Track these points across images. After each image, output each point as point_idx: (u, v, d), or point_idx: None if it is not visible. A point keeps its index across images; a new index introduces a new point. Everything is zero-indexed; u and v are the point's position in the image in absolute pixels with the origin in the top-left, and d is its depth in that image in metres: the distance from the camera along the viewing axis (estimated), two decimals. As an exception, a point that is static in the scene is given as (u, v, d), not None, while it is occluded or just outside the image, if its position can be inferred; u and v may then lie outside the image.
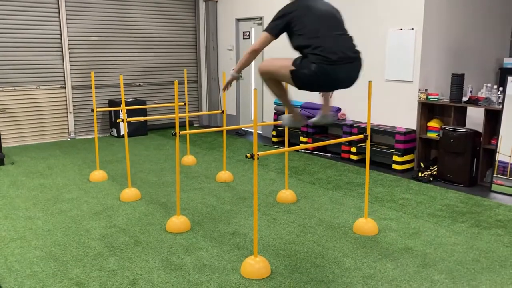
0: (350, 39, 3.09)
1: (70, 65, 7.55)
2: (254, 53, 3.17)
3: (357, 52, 3.05)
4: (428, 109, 5.76)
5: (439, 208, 4.42)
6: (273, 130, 7.50)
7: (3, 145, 6.78)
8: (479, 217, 4.16)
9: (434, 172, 5.43)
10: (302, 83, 3.09)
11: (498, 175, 4.97)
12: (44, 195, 4.80)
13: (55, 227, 3.94)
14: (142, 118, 5.35)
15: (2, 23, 6.90)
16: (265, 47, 3.19)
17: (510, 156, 4.91)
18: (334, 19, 3.12)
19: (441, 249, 3.51)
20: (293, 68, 3.01)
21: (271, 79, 3.30)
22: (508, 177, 4.89)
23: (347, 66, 2.97)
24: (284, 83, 3.44)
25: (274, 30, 3.10)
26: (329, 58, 2.88)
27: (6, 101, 7.05)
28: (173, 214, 4.11)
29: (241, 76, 8.65)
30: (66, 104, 7.63)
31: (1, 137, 6.20)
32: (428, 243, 3.62)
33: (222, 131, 6.40)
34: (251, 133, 8.28)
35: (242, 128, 8.32)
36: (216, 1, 8.77)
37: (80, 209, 4.38)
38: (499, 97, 5.14)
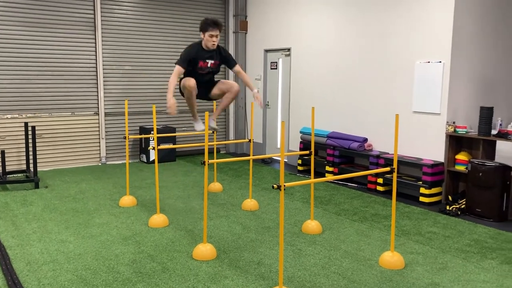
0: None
1: (104, 93, 7.86)
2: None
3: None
4: (456, 142, 5.73)
5: (468, 243, 4.35)
6: (299, 158, 7.55)
7: (38, 169, 7.05)
8: (510, 254, 4.08)
9: (463, 206, 5.35)
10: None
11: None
12: (75, 219, 4.96)
13: (86, 251, 4.06)
14: (172, 146, 5.51)
15: (41, 52, 7.28)
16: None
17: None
18: None
19: (469, 286, 3.45)
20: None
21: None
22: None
23: None
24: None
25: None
26: None
27: (43, 126, 7.36)
28: (200, 241, 4.18)
29: (267, 105, 8.81)
30: (99, 130, 7.89)
31: (37, 161, 6.44)
32: (455, 280, 3.56)
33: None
34: (276, 161, 8.35)
35: (268, 156, 8.39)
36: (246, 33, 9.02)
37: (110, 234, 4.50)
38: (530, 131, 5.08)
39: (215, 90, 4.96)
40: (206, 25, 4.62)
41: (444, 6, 5.61)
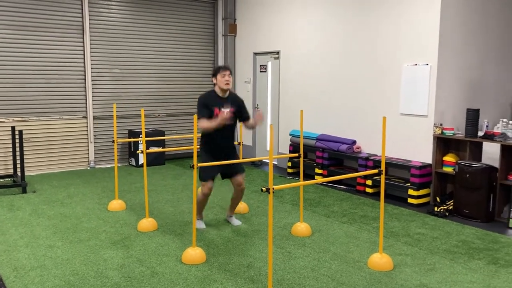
0: None
1: (93, 96, 7.81)
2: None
3: None
4: (443, 144, 5.78)
5: (455, 244, 4.39)
6: (289, 161, 7.57)
7: (25, 173, 6.98)
8: (496, 255, 4.12)
9: (450, 207, 5.40)
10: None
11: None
12: (64, 223, 4.91)
13: (74, 256, 4.03)
14: (161, 150, 5.48)
15: (29, 56, 7.22)
16: None
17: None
18: None
19: (457, 287, 3.48)
20: None
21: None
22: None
23: None
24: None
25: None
26: None
27: (31, 130, 7.29)
28: (189, 245, 4.17)
29: (257, 107, 8.82)
30: (87, 134, 7.84)
31: (24, 165, 6.38)
32: (443, 280, 3.59)
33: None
34: (266, 163, 8.36)
35: (258, 159, 8.40)
36: (235, 36, 9.03)
37: (99, 238, 4.47)
38: (515, 132, 5.15)
39: (235, 181, 4.68)
40: (217, 69, 4.58)
41: (430, 9, 5.67)
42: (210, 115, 4.44)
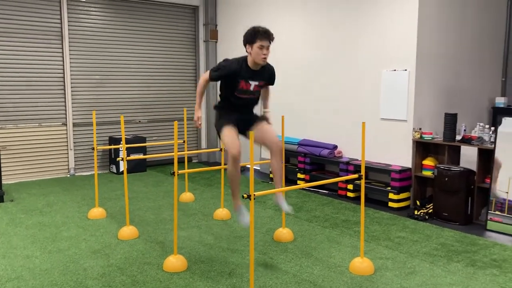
0: None
1: (72, 103, 7.71)
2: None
3: None
4: (422, 148, 5.86)
5: (435, 247, 4.45)
6: (271, 167, 7.57)
7: (3, 182, 6.84)
8: (474, 257, 4.19)
9: (430, 210, 5.48)
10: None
11: (496, 212, 5.00)
12: (42, 233, 4.83)
13: (53, 266, 3.96)
14: (141, 157, 5.45)
15: (6, 61, 7.10)
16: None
17: (507, 192, 4.96)
18: None
19: (436, 290, 3.53)
20: None
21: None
22: (506, 214, 4.92)
23: None
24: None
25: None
26: None
27: (8, 138, 7.16)
28: (171, 253, 4.14)
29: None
30: (67, 141, 7.73)
31: (1, 174, 6.25)
32: (423, 283, 3.64)
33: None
34: (249, 169, 8.34)
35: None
36: (216, 41, 9.03)
37: (78, 247, 4.41)
38: (491, 136, 5.25)
39: (256, 133, 3.96)
40: (255, 34, 3.74)
41: (408, 16, 5.76)
42: (229, 91, 3.86)
